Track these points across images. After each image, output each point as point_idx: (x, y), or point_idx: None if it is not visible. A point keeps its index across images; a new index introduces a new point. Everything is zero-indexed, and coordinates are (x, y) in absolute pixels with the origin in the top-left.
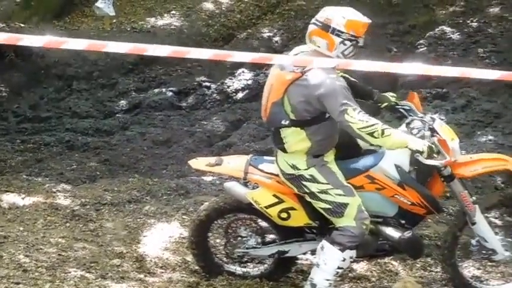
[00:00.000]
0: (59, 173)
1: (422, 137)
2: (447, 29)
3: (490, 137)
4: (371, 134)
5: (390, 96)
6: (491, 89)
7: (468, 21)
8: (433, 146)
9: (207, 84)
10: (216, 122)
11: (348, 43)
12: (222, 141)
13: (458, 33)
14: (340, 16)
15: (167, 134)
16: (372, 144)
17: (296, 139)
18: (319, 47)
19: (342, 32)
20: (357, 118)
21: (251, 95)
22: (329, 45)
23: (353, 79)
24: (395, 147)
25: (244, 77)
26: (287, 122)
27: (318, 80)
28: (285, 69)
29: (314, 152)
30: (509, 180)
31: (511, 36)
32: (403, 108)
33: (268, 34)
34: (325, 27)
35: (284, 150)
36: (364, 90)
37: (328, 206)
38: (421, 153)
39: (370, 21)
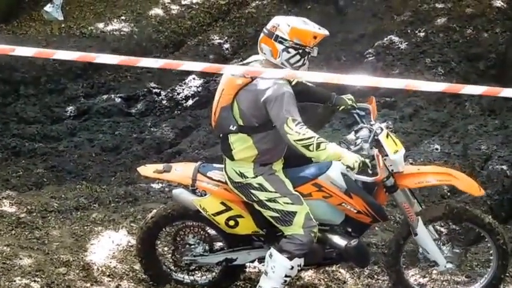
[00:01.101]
0: (4, 179)
1: (361, 149)
2: (395, 39)
3: (437, 146)
4: (306, 147)
5: (348, 99)
6: (438, 99)
7: (416, 31)
8: (367, 161)
9: (157, 90)
10: (166, 129)
11: (292, 51)
12: (172, 148)
13: (406, 42)
14: (286, 24)
15: (116, 140)
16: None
17: (243, 146)
18: (265, 54)
19: (285, 40)
20: (294, 130)
21: (201, 102)
22: (273, 52)
23: (310, 83)
24: (330, 160)
25: (194, 84)
26: (235, 128)
27: (266, 85)
28: (236, 74)
29: (261, 161)
30: (456, 190)
31: (458, 46)
32: (358, 114)
33: (218, 41)
34: (270, 35)
35: (231, 158)
36: (321, 93)
37: (276, 215)
38: (352, 169)
39: (324, 33)
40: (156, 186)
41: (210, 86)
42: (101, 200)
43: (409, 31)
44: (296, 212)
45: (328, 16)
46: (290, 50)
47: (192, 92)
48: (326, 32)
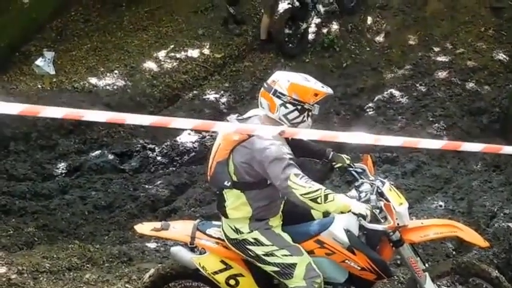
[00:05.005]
0: None
1: (368, 201)
2: (396, 93)
3: (441, 203)
4: (314, 200)
5: (345, 157)
6: (441, 154)
7: (417, 85)
8: (376, 211)
9: (151, 146)
10: (161, 186)
11: (291, 107)
12: (167, 206)
13: (406, 96)
14: (285, 79)
15: (109, 198)
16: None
17: (237, 203)
18: (264, 108)
19: (283, 95)
20: (299, 184)
21: (197, 158)
22: (270, 107)
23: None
24: (339, 212)
25: (190, 139)
26: (229, 184)
27: (262, 145)
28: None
29: (257, 217)
30: (461, 247)
31: (460, 100)
32: (355, 171)
33: (214, 95)
34: (269, 89)
35: (225, 215)
36: (317, 149)
37: (276, 268)
38: (364, 217)
39: (327, 91)
40: (151, 245)
41: (206, 142)
42: (94, 260)
43: (409, 85)
44: (296, 263)
45: (326, 70)
46: (288, 105)
47: (188, 148)
48: (329, 91)
